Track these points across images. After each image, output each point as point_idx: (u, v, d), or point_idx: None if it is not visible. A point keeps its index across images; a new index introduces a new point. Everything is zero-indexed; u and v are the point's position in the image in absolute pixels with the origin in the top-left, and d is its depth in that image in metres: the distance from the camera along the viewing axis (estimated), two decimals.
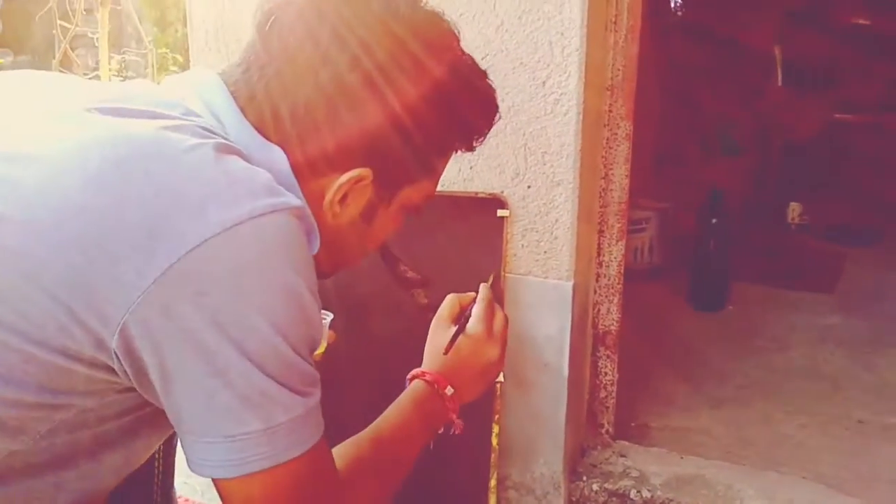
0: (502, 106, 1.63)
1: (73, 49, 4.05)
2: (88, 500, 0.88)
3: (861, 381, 2.72)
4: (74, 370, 0.74)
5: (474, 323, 1.13)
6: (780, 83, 5.11)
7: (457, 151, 0.99)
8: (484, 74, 0.96)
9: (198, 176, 0.75)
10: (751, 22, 4.66)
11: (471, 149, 0.99)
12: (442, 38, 0.91)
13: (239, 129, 0.86)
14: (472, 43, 1.70)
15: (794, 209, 4.79)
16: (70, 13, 3.88)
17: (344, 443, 0.93)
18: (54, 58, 4.15)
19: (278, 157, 0.86)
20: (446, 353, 1.10)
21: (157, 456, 1.12)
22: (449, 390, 1.08)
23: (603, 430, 2.11)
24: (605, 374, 2.06)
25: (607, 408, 2.09)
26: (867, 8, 4.89)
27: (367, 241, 1.00)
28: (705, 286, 3.49)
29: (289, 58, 0.85)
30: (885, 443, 2.25)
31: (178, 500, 1.24)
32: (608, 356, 2.05)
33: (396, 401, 1.05)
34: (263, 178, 0.78)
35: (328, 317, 1.34)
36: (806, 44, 4.83)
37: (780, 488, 1.95)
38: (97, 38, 3.97)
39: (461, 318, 1.15)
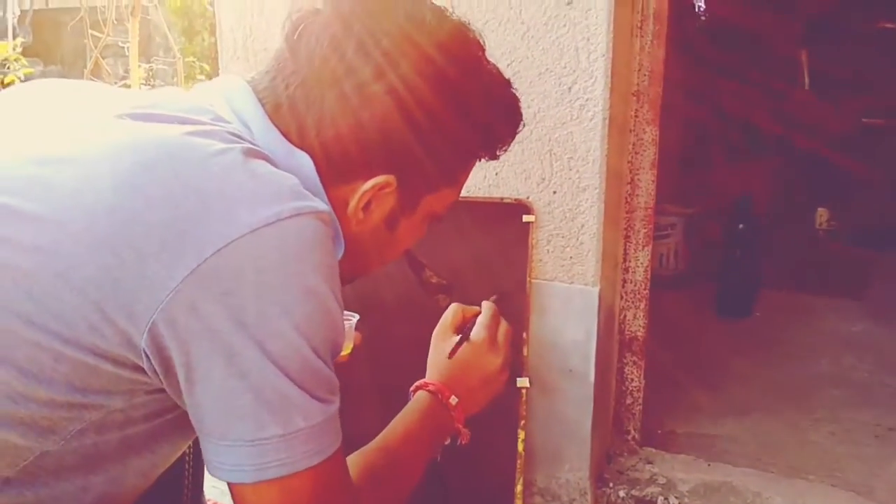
0: (528, 112, 1.63)
1: (102, 58, 4.11)
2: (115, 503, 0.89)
3: (890, 388, 2.69)
4: (104, 369, 0.75)
5: (478, 330, 1.14)
6: (806, 87, 5.07)
7: (480, 160, 1.00)
8: (508, 84, 0.97)
9: (226, 179, 0.76)
10: (776, 26, 4.62)
11: (494, 157, 1.00)
12: (467, 48, 0.92)
13: (266, 135, 0.87)
14: (498, 50, 1.71)
15: (822, 214, 4.74)
16: (101, 23, 3.93)
17: (353, 454, 0.93)
18: (85, 67, 4.21)
19: (305, 162, 0.87)
20: (450, 356, 1.11)
21: (187, 459, 1.13)
22: (453, 400, 1.08)
23: (629, 437, 2.10)
24: (632, 380, 2.05)
25: (634, 414, 2.09)
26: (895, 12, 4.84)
27: (389, 248, 1.01)
28: (732, 293, 3.46)
29: (315, 67, 0.86)
30: None
31: (208, 502, 1.25)
32: (634, 362, 2.04)
33: (401, 413, 1.05)
34: (290, 182, 0.79)
35: (354, 318, 1.34)
36: (832, 48, 4.79)
37: (809, 496, 1.93)
38: (127, 48, 4.02)
39: (465, 327, 1.15)
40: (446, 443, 1.09)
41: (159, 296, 0.71)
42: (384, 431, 1.02)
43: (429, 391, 1.08)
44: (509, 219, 1.83)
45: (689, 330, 3.19)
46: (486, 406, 1.14)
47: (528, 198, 1.81)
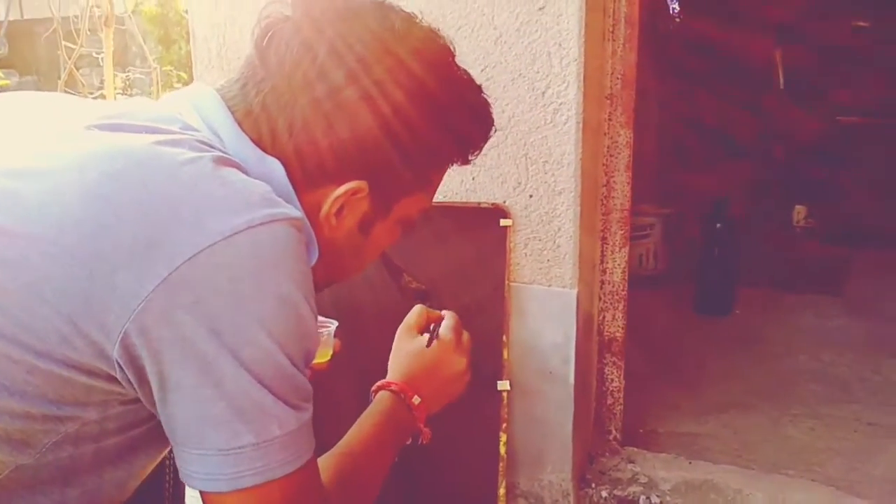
0: (502, 117, 1.65)
1: (77, 69, 4.09)
2: None
3: (869, 383, 2.72)
4: (76, 380, 0.75)
5: (444, 332, 1.15)
6: (781, 86, 5.12)
7: (453, 164, 1.00)
8: (479, 89, 0.97)
9: (196, 187, 0.76)
10: (751, 26, 4.66)
11: (467, 162, 1.00)
12: (437, 53, 0.92)
13: (236, 143, 0.87)
14: (471, 55, 1.72)
15: (800, 212, 4.78)
16: (74, 33, 3.91)
17: (320, 458, 0.94)
18: (59, 78, 4.20)
19: (276, 169, 0.87)
20: (428, 346, 1.13)
21: (167, 469, 1.13)
22: (416, 399, 1.09)
23: (611, 437, 2.11)
24: (612, 380, 2.06)
25: (615, 414, 2.10)
26: (869, 10, 4.89)
27: (363, 253, 1.01)
28: (711, 291, 3.49)
29: (285, 73, 0.86)
30: (895, 444, 2.25)
31: None
32: (614, 363, 2.05)
33: (364, 414, 1.06)
34: (262, 189, 0.80)
35: (332, 324, 1.34)
36: (807, 47, 4.83)
37: (789, 492, 1.95)
38: (102, 58, 4.01)
39: (429, 328, 1.16)
40: (408, 443, 1.10)
41: (130, 305, 0.71)
42: (348, 434, 1.02)
43: (391, 391, 1.09)
44: (486, 223, 1.83)
45: (668, 329, 3.21)
46: (446, 406, 1.15)
47: (504, 202, 1.82)
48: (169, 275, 0.71)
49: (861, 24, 4.96)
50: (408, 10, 0.93)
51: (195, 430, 0.76)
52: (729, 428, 2.36)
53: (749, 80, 4.79)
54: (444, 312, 1.19)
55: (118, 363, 0.74)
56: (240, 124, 0.88)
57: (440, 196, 1.04)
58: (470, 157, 1.00)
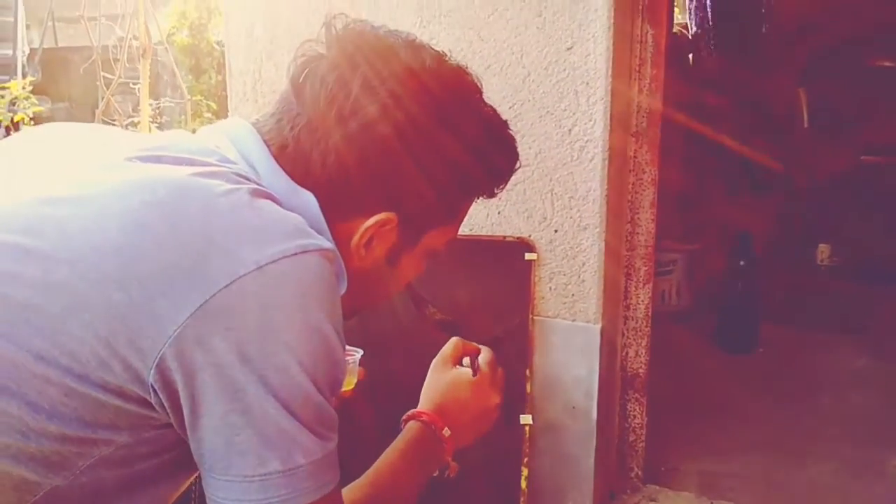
0: (529, 153, 1.67)
1: (111, 96, 4.18)
2: None
3: (895, 425, 2.68)
4: (113, 404, 0.77)
5: (481, 365, 1.15)
6: (806, 124, 5.11)
7: (479, 198, 1.02)
8: (505, 124, 1.00)
9: (233, 218, 0.79)
10: (776, 64, 4.67)
11: (492, 195, 1.02)
12: (465, 89, 0.95)
13: (272, 176, 0.90)
14: (500, 93, 1.74)
15: (823, 250, 4.75)
16: (112, 62, 4.01)
17: (346, 488, 0.94)
18: (94, 105, 4.28)
19: (309, 201, 0.90)
20: (475, 375, 1.13)
21: (192, 496, 1.14)
22: (446, 432, 1.09)
23: (632, 474, 2.10)
24: (634, 417, 2.06)
25: (636, 451, 2.09)
26: (893, 49, 4.88)
27: (390, 283, 1.03)
28: (734, 328, 3.46)
29: (320, 109, 0.89)
30: None
31: None
32: (637, 399, 2.04)
33: (393, 444, 1.06)
34: (296, 220, 0.82)
35: (358, 353, 1.36)
36: (832, 86, 4.83)
37: None
38: (138, 89, 4.09)
39: (466, 359, 1.17)
40: (434, 475, 1.10)
41: (167, 331, 0.73)
42: (376, 463, 1.03)
43: (421, 421, 1.10)
44: (512, 257, 1.85)
45: (692, 366, 3.19)
46: (474, 441, 1.15)
47: (529, 236, 1.83)
48: (205, 302, 0.73)
49: (886, 63, 4.95)
50: (438, 49, 0.95)
51: (222, 455, 0.77)
52: (752, 468, 2.34)
53: (774, 117, 4.78)
54: (482, 347, 1.20)
55: (153, 387, 0.76)
56: (275, 158, 0.91)
57: (466, 229, 1.05)
58: (496, 190, 1.02)
